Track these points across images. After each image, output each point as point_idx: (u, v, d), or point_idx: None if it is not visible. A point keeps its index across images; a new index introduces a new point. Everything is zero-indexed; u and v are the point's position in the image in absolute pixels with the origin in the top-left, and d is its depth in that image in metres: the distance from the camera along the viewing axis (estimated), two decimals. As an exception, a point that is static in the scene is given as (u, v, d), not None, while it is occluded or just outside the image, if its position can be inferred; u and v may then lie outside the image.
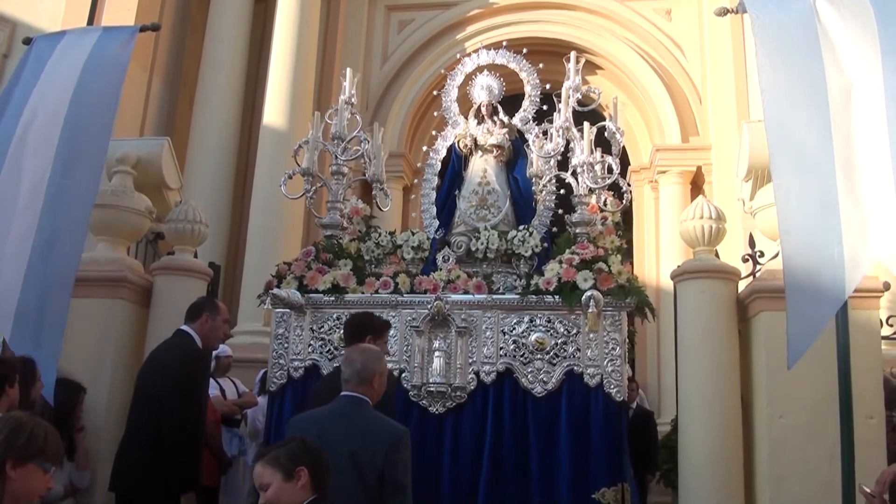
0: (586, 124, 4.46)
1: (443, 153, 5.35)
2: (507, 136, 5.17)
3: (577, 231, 4.47)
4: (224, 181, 9.14)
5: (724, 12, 3.98)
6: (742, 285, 4.51)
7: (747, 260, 4.60)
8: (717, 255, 4.58)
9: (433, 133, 5.49)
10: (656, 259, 9.30)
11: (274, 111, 8.87)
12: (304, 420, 2.99)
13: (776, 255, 4.39)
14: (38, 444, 2.02)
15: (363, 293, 4.42)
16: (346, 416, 2.86)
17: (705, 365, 4.27)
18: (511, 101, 5.40)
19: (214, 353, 5.72)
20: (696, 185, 9.44)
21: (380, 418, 2.89)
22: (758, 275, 4.43)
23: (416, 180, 6.41)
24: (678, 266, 4.63)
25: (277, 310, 4.45)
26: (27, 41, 4.41)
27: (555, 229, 4.92)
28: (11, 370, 3.22)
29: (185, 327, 4.00)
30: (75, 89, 3.84)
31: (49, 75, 3.99)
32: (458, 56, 6.62)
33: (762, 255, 4.54)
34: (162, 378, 3.71)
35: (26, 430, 2.03)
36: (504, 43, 5.38)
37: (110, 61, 3.97)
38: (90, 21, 4.84)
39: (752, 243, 4.70)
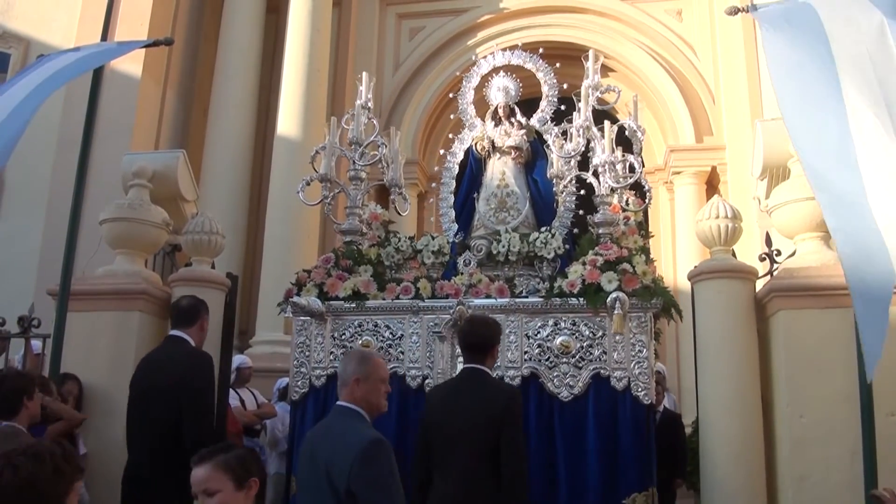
0: (607, 123, 4.41)
1: (460, 156, 5.30)
2: (524, 137, 5.12)
3: (600, 232, 4.42)
4: (239, 191, 9.17)
5: (734, 11, 3.94)
6: (760, 284, 4.45)
7: (764, 259, 4.53)
8: (733, 254, 4.53)
9: (450, 136, 5.45)
10: (673, 260, 9.24)
11: (288, 121, 8.89)
12: (313, 431, 2.82)
13: (793, 254, 4.34)
14: (79, 464, 1.95)
15: (384, 299, 4.37)
16: (328, 427, 2.66)
17: (724, 365, 4.21)
18: (527, 105, 5.36)
19: (235, 364, 5.72)
20: (712, 185, 9.38)
21: (356, 428, 2.57)
22: (775, 273, 4.37)
23: (432, 185, 6.37)
24: (695, 266, 4.58)
25: (298, 318, 4.41)
26: (40, 59, 4.41)
27: (575, 230, 4.86)
28: (30, 383, 3.18)
29: (179, 333, 3.78)
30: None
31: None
32: (471, 60, 6.58)
33: (779, 253, 4.48)
34: (182, 390, 3.54)
35: (58, 455, 1.89)
36: (519, 44, 5.33)
37: (111, 49, 3.92)
38: (104, 36, 4.82)
39: (768, 242, 4.64)
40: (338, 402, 2.71)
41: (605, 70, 9.63)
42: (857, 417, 3.30)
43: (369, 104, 4.80)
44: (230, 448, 2.17)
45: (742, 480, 4.07)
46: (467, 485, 3.14)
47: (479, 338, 3.38)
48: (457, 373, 3.67)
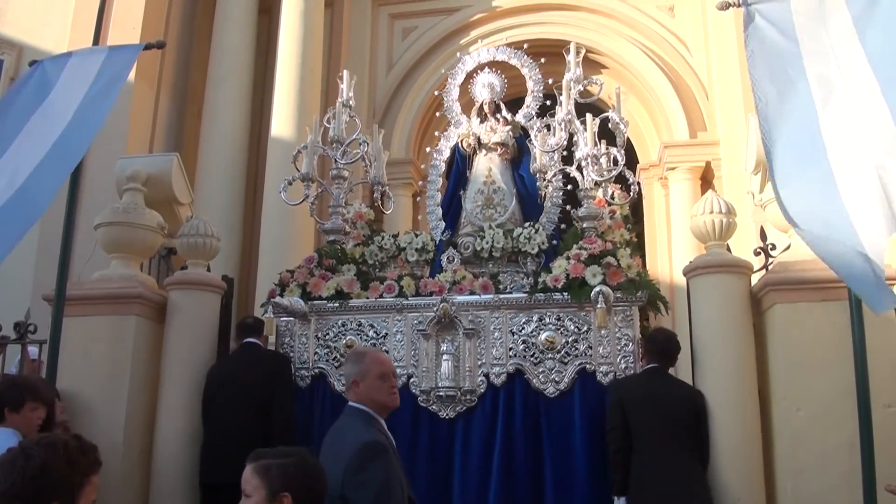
0: (589, 116, 4.40)
1: (446, 154, 5.27)
2: (510, 133, 5.09)
3: (585, 226, 4.40)
4: (234, 193, 9.13)
5: (726, 6, 3.95)
6: (755, 279, 4.43)
7: (759, 253, 4.52)
8: (728, 249, 4.51)
9: (436, 134, 5.44)
10: (669, 256, 9.19)
11: (281, 122, 8.88)
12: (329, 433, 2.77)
13: (788, 248, 4.32)
14: (96, 458, 1.92)
15: (368, 298, 4.36)
16: (336, 428, 2.62)
17: (721, 360, 4.19)
18: (515, 104, 5.34)
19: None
20: (706, 181, 9.34)
21: (353, 431, 2.49)
22: (770, 268, 4.36)
23: (421, 183, 6.36)
24: (690, 262, 4.55)
25: (281, 319, 4.40)
26: (34, 64, 4.40)
27: (563, 226, 4.84)
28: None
29: (254, 340, 4.43)
30: (74, 114, 3.84)
31: (54, 99, 3.99)
32: (460, 58, 6.62)
33: (774, 247, 4.46)
34: (276, 380, 4.22)
35: (73, 447, 1.87)
36: (505, 39, 5.32)
37: (108, 83, 3.97)
38: (95, 40, 4.82)
39: (763, 236, 4.63)
40: (348, 402, 2.66)
41: (598, 67, 9.63)
42: (854, 409, 3.28)
43: (351, 102, 4.77)
44: (286, 455, 2.05)
45: (740, 475, 4.05)
46: (673, 458, 3.84)
47: (675, 349, 4.03)
48: (644, 370, 4.12)
